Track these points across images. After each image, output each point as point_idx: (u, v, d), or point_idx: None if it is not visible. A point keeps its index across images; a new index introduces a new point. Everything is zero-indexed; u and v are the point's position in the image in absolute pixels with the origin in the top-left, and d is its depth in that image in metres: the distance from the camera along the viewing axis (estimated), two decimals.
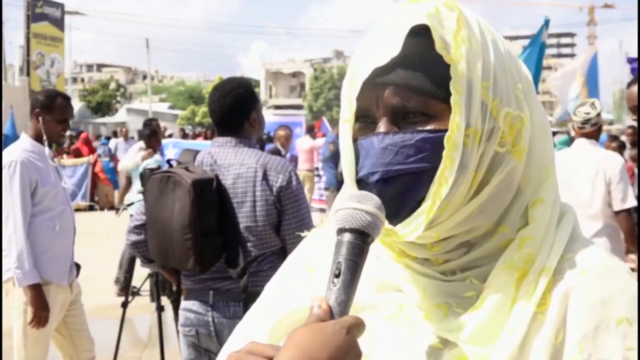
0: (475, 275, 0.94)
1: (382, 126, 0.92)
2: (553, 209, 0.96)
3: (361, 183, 0.94)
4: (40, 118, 3.92)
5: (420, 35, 0.90)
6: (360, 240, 0.84)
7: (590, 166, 4.79)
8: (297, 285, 1.07)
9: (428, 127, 0.90)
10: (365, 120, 0.95)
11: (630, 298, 0.91)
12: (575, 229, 0.98)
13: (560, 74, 10.88)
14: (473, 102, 0.89)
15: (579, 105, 5.00)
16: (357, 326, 0.80)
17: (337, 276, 0.83)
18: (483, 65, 0.90)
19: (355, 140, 0.95)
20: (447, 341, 0.91)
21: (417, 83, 0.90)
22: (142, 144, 8.38)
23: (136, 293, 5.55)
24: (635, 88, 4.07)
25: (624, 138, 11.62)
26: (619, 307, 0.90)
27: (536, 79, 4.97)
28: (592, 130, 4.86)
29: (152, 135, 8.23)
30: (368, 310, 0.97)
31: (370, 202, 0.86)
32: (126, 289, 5.37)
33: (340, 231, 0.85)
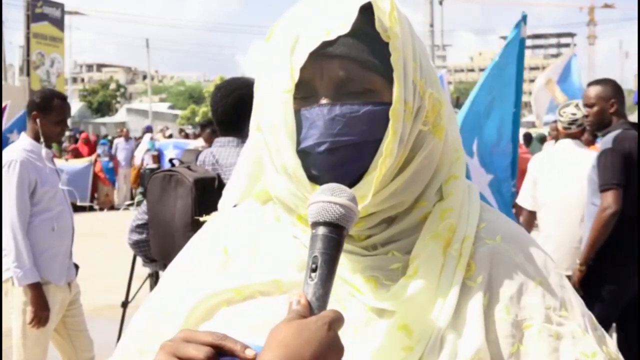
0: (397, 248, 0.97)
1: (326, 98, 0.93)
2: (464, 183, 1.03)
3: (302, 154, 0.94)
4: (37, 120, 3.91)
5: (360, 12, 0.93)
6: (335, 233, 0.84)
7: (582, 166, 4.80)
8: (213, 267, 1.04)
9: (372, 100, 0.93)
10: (303, 95, 0.94)
11: (542, 261, 1.01)
12: (481, 200, 1.06)
13: (536, 90, 10.77)
14: (407, 79, 0.93)
15: (564, 106, 5.09)
16: (338, 320, 0.80)
17: (314, 270, 0.82)
18: (412, 47, 0.95)
19: (296, 112, 0.94)
20: (383, 312, 0.92)
21: (362, 57, 0.93)
22: (196, 143, 8.32)
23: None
24: (592, 88, 4.35)
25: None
26: (535, 270, 0.98)
27: (520, 75, 4.97)
28: (578, 130, 4.99)
29: (213, 134, 8.24)
30: (294, 292, 0.95)
31: (344, 194, 0.85)
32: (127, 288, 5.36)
33: (315, 225, 0.84)
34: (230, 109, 3.12)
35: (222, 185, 3.02)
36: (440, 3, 27.76)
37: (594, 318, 1.02)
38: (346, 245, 0.96)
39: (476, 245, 0.98)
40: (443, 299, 0.92)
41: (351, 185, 0.91)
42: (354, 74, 0.92)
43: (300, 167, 0.94)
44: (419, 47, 0.97)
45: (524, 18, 5.00)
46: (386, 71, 0.93)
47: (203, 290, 1.00)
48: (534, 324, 0.93)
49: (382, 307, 0.92)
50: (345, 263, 0.95)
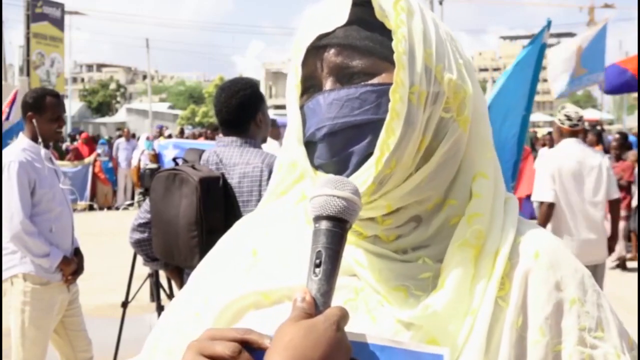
0: (428, 255, 0.94)
1: (327, 85, 0.93)
2: (496, 186, 0.98)
3: (310, 145, 0.94)
4: (33, 121, 3.92)
5: (363, 5, 0.93)
6: (338, 227, 0.82)
7: (593, 160, 5.22)
8: (240, 269, 1.04)
9: (372, 81, 0.91)
10: (312, 91, 0.95)
11: (579, 279, 0.95)
12: (519, 214, 1.01)
13: (563, 48, 10.18)
14: (416, 63, 0.91)
15: (563, 106, 5.32)
16: (344, 318, 0.79)
17: (317, 266, 0.80)
18: (424, 35, 0.93)
19: (302, 107, 0.95)
20: (411, 324, 0.90)
21: (360, 42, 0.92)
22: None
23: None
24: None
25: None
26: (571, 289, 0.93)
27: (535, 79, 5.05)
28: (581, 129, 5.29)
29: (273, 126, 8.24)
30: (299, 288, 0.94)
31: (346, 187, 0.84)
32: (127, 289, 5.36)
33: (317, 219, 0.83)
34: (234, 110, 3.14)
35: (226, 184, 3.03)
36: (441, 3, 27.74)
37: (631, 338, 0.98)
38: (375, 248, 0.95)
39: (511, 262, 0.93)
40: (474, 318, 0.88)
41: (356, 170, 0.90)
42: (351, 60, 0.92)
43: (305, 155, 0.93)
44: (437, 38, 0.94)
45: (548, 24, 5.07)
46: (391, 55, 0.91)
47: (230, 292, 0.99)
48: (566, 347, 0.90)
49: (409, 321, 0.89)
50: (375, 269, 0.94)
